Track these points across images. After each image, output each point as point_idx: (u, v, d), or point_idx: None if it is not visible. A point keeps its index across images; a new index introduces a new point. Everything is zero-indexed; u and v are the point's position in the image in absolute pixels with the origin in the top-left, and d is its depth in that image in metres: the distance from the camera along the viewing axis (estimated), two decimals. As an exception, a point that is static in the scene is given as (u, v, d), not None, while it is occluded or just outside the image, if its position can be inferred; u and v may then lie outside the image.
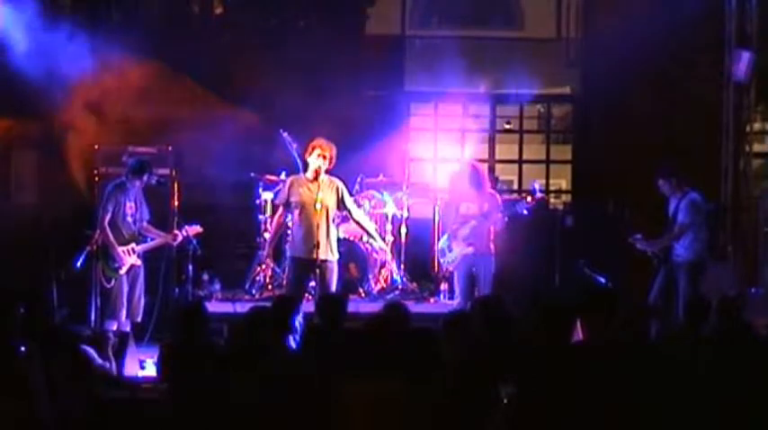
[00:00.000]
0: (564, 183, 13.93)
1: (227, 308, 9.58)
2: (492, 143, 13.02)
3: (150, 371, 7.86)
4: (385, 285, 10.44)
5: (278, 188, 9.70)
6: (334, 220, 8.59)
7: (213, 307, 9.20)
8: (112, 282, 8.65)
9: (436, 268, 10.49)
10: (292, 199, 8.50)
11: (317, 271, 8.31)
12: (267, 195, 10.41)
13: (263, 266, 10.30)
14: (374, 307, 8.02)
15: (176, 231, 8.99)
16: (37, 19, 9.91)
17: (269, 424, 5.37)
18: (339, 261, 8.57)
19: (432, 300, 10.40)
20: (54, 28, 9.96)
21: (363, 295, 10.29)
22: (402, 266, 10.62)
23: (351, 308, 6.77)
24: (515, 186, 13.50)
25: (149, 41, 10.90)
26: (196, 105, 11.54)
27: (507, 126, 13.16)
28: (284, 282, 9.30)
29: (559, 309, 5.44)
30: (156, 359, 6.76)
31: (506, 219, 8.95)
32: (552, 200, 13.54)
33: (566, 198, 13.51)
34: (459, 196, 9.12)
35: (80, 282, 9.03)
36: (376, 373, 5.14)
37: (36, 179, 11.79)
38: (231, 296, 10.30)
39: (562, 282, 10.59)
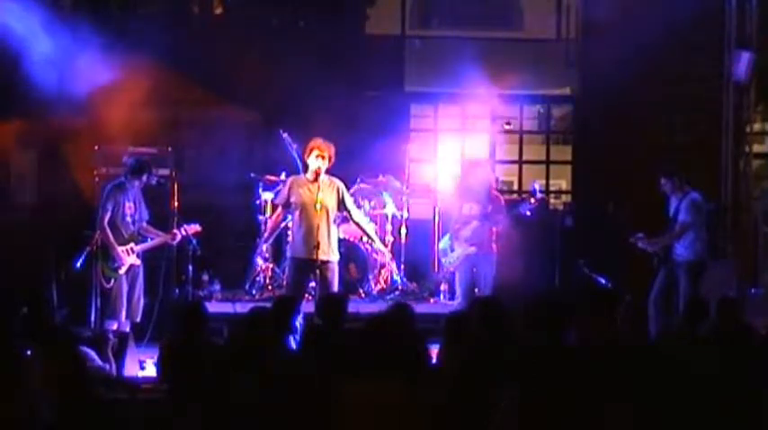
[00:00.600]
0: (564, 184, 13.93)
1: (227, 308, 9.59)
2: (492, 144, 13.03)
3: (150, 371, 7.87)
4: (385, 286, 10.45)
5: (278, 188, 9.71)
6: (334, 221, 8.60)
7: (213, 307, 9.21)
8: (112, 282, 8.63)
9: (436, 268, 10.49)
10: (292, 199, 8.50)
11: (318, 271, 8.31)
12: (267, 195, 10.41)
13: (263, 266, 10.31)
14: (374, 307, 8.02)
15: (175, 230, 9.00)
16: (37, 19, 9.92)
17: (269, 424, 5.36)
18: (339, 262, 8.58)
19: (432, 300, 10.41)
20: (54, 28, 9.97)
21: (363, 296, 10.29)
22: (402, 267, 10.62)
23: (351, 308, 6.78)
24: (515, 187, 13.50)
25: (149, 41, 10.88)
26: (196, 105, 11.55)
27: (507, 126, 13.16)
28: (284, 282, 9.29)
29: (556, 305, 5.44)
30: (155, 359, 6.77)
31: (509, 220, 8.95)
32: (552, 200, 13.53)
33: (566, 198, 13.50)
34: (463, 196, 9.12)
35: (80, 282, 9.03)
36: (376, 373, 5.14)
37: (36, 179, 11.79)
38: (231, 296, 10.31)
39: (562, 282, 10.59)
